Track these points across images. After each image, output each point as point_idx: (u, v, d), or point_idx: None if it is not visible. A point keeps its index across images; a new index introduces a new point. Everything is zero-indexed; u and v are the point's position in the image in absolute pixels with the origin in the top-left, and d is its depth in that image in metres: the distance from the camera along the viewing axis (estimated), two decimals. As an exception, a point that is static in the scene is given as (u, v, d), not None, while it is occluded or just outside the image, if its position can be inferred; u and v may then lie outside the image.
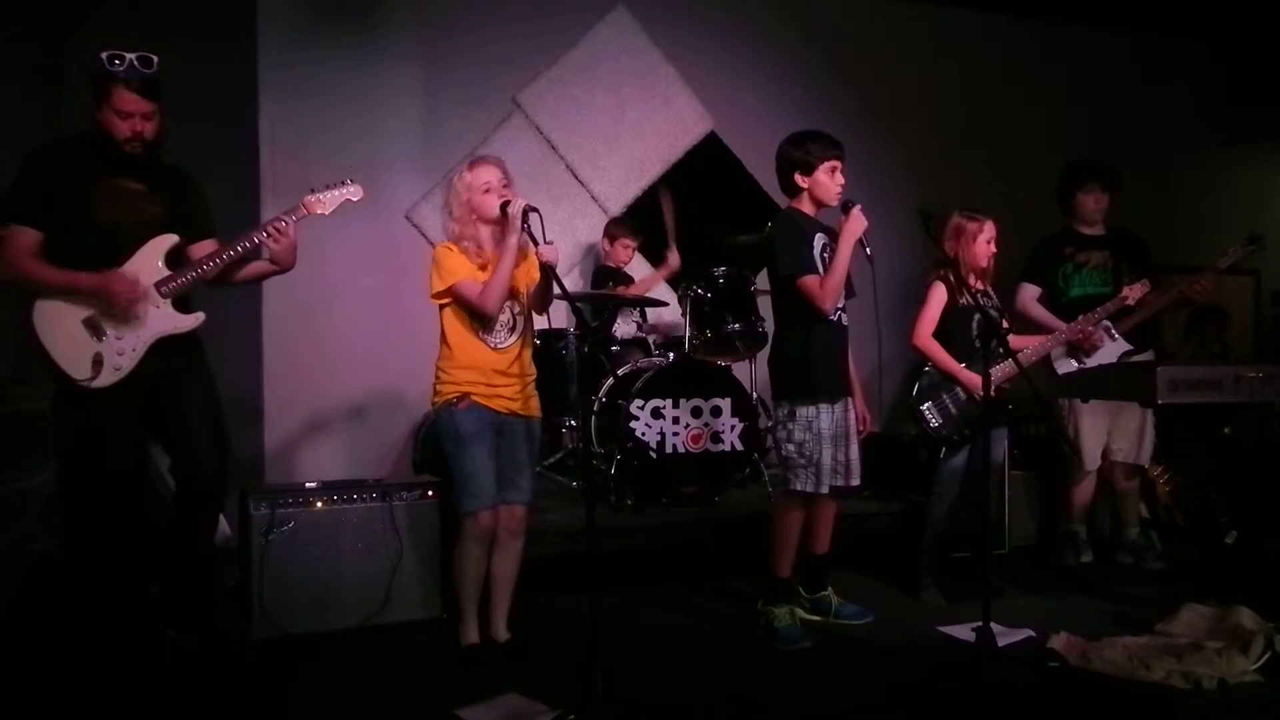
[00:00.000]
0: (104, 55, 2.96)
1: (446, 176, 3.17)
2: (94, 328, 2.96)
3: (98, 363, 2.94)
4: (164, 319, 3.05)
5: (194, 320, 3.12)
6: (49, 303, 2.95)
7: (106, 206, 3.01)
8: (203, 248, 3.19)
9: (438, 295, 3.11)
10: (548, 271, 3.04)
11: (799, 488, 3.44)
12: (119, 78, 2.96)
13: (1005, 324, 3.89)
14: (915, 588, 3.96)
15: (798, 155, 3.46)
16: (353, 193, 3.22)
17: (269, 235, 3.10)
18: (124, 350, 2.99)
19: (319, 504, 3.52)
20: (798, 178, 3.48)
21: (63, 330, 2.93)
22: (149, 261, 3.05)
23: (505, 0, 5.27)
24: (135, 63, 2.97)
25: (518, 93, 5.34)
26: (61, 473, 3.17)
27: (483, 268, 3.11)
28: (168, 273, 3.06)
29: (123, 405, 3.01)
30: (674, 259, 5.08)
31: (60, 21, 4.39)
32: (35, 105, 4.23)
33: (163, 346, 3.06)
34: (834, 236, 3.46)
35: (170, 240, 3.09)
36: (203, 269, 3.09)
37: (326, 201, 3.18)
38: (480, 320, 3.10)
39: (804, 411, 3.43)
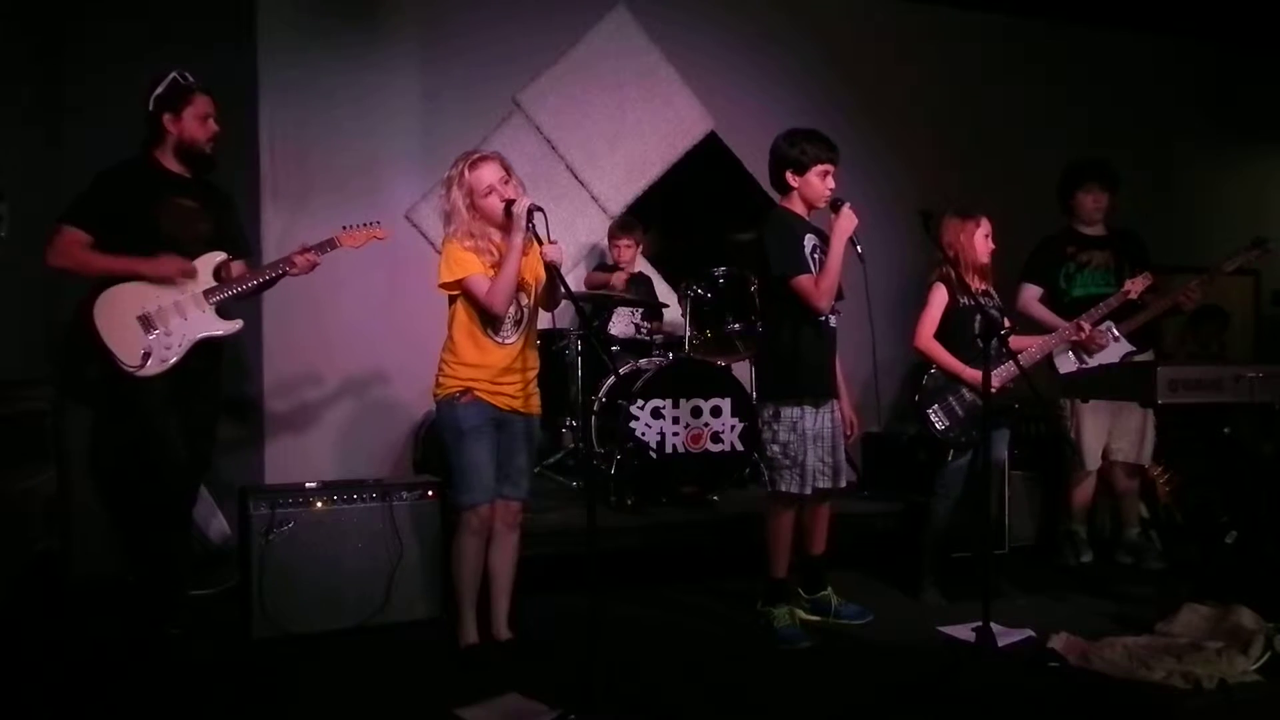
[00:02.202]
0: (174, 74, 3.40)
1: (445, 175, 3.15)
2: (146, 323, 3.30)
3: (146, 354, 3.27)
4: (208, 322, 3.40)
5: (234, 326, 3.45)
6: (108, 297, 3.28)
7: (168, 223, 3.37)
8: (238, 266, 3.54)
9: (446, 286, 3.11)
10: (552, 271, 3.04)
11: (784, 489, 3.44)
12: (195, 87, 3.43)
13: (1007, 324, 3.90)
14: (915, 588, 3.96)
15: (792, 154, 3.45)
16: (379, 232, 3.65)
17: (298, 266, 3.48)
18: (170, 345, 3.32)
19: (319, 504, 3.52)
20: (789, 176, 3.47)
21: (119, 323, 3.27)
22: (202, 272, 3.42)
23: (505, 0, 5.27)
24: (194, 76, 3.45)
25: (518, 93, 5.34)
26: (107, 452, 3.72)
27: (493, 265, 3.10)
28: (215, 284, 3.43)
29: (162, 392, 3.31)
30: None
31: (58, 17, 4.39)
32: (34, 108, 4.23)
33: (199, 348, 3.37)
34: (824, 238, 3.46)
35: (220, 256, 3.47)
36: (244, 286, 3.47)
37: (358, 237, 3.60)
38: (490, 316, 3.10)
39: (789, 412, 3.43)
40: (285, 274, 3.51)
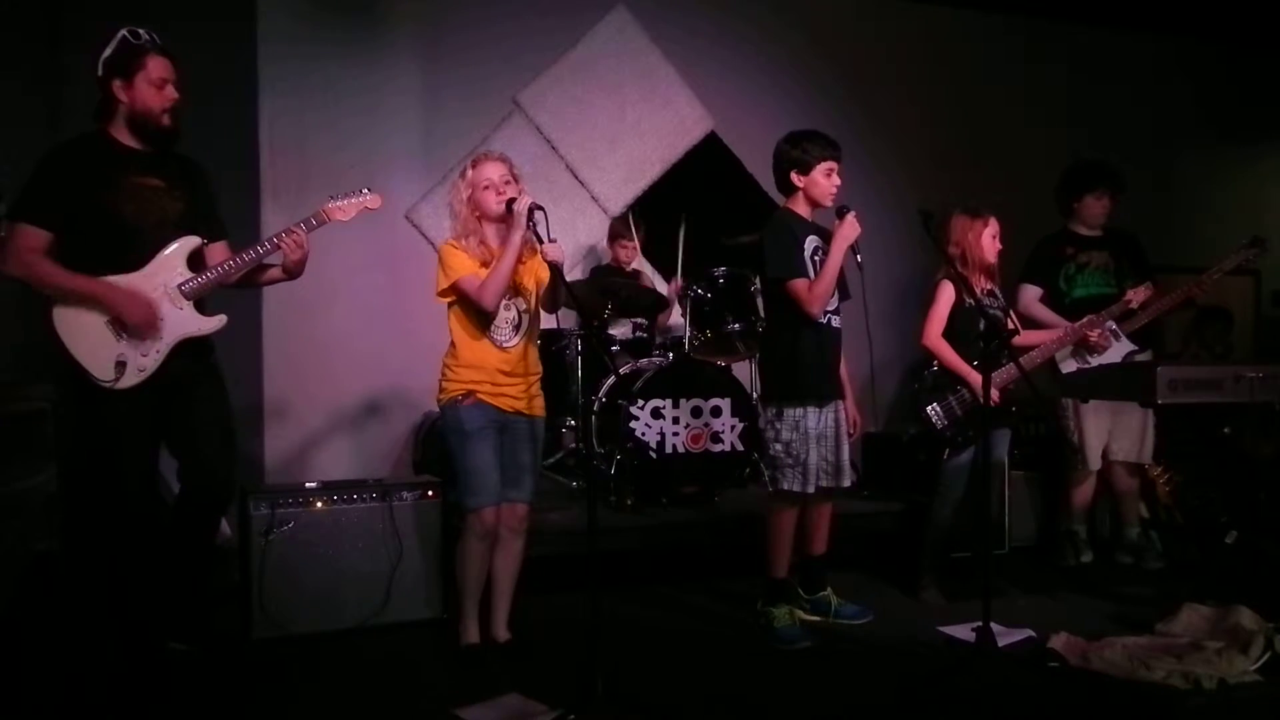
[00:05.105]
0: (124, 32, 2.97)
1: (453, 174, 3.17)
2: (117, 328, 2.95)
3: (121, 364, 2.93)
4: (187, 320, 3.05)
5: (217, 322, 3.13)
6: (69, 303, 2.93)
7: (130, 206, 2.98)
8: (216, 250, 3.20)
9: (442, 293, 3.12)
10: (555, 270, 3.04)
11: (786, 487, 3.45)
12: (148, 47, 2.98)
13: (1011, 325, 3.89)
14: (915, 588, 3.96)
15: (795, 154, 3.47)
16: (371, 201, 3.24)
17: (287, 243, 3.11)
18: (148, 352, 2.98)
19: (319, 504, 3.52)
20: (794, 176, 3.49)
21: (85, 331, 2.91)
22: (173, 263, 3.04)
23: (505, 0, 5.27)
24: (154, 35, 3.02)
25: (518, 93, 5.34)
26: (70, 474, 3.12)
27: (485, 264, 3.11)
28: (190, 274, 3.05)
29: (139, 407, 2.99)
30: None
31: (56, 15, 4.38)
32: (35, 103, 4.23)
33: (181, 348, 3.05)
34: (827, 239, 3.47)
35: (194, 242, 3.08)
36: (225, 271, 3.09)
37: (347, 209, 3.21)
38: (484, 318, 3.11)
39: (791, 412, 3.44)
40: (269, 252, 3.11)
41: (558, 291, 3.16)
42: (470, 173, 3.12)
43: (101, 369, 2.93)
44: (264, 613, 3.39)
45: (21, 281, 2.94)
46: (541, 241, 3.03)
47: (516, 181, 3.14)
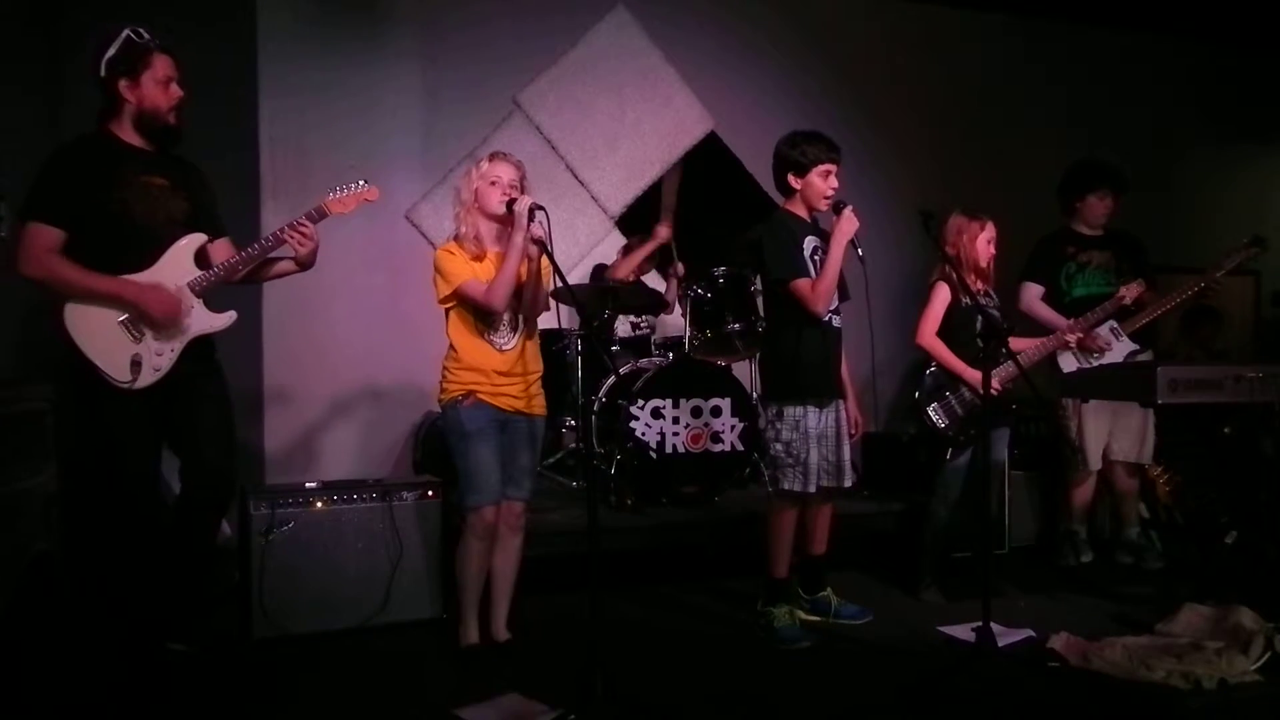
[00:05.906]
0: (127, 31, 2.98)
1: (454, 174, 3.17)
2: (131, 328, 2.95)
3: (136, 364, 2.93)
4: (200, 319, 3.05)
5: (228, 319, 3.12)
6: (82, 303, 2.91)
7: (139, 205, 2.98)
8: (219, 247, 3.20)
9: (445, 300, 3.13)
10: (540, 247, 3.04)
11: (788, 487, 3.45)
12: (153, 46, 2.99)
13: (1007, 324, 3.90)
14: (915, 588, 3.96)
15: (793, 156, 3.47)
16: (370, 193, 3.22)
17: (294, 237, 3.10)
18: (162, 351, 2.98)
19: (319, 504, 3.52)
20: (791, 178, 3.49)
21: (99, 331, 2.91)
22: (181, 260, 3.04)
23: (505, 0, 5.27)
24: (150, 33, 3.02)
25: (518, 93, 5.34)
26: (72, 474, 3.09)
27: (476, 259, 3.13)
28: (199, 272, 3.05)
29: (147, 406, 2.99)
30: (663, 231, 5.02)
31: (57, 16, 4.38)
32: (36, 104, 4.22)
33: (191, 347, 3.05)
34: (825, 239, 3.47)
35: (200, 239, 3.09)
36: (232, 266, 3.08)
37: (346, 201, 3.20)
38: (485, 320, 3.12)
39: (791, 412, 3.44)
40: (288, 242, 3.09)
41: (540, 288, 3.15)
42: (485, 165, 3.13)
43: (118, 369, 2.92)
44: (264, 613, 3.39)
45: (39, 283, 2.92)
46: (548, 251, 3.02)
47: (524, 189, 3.14)
